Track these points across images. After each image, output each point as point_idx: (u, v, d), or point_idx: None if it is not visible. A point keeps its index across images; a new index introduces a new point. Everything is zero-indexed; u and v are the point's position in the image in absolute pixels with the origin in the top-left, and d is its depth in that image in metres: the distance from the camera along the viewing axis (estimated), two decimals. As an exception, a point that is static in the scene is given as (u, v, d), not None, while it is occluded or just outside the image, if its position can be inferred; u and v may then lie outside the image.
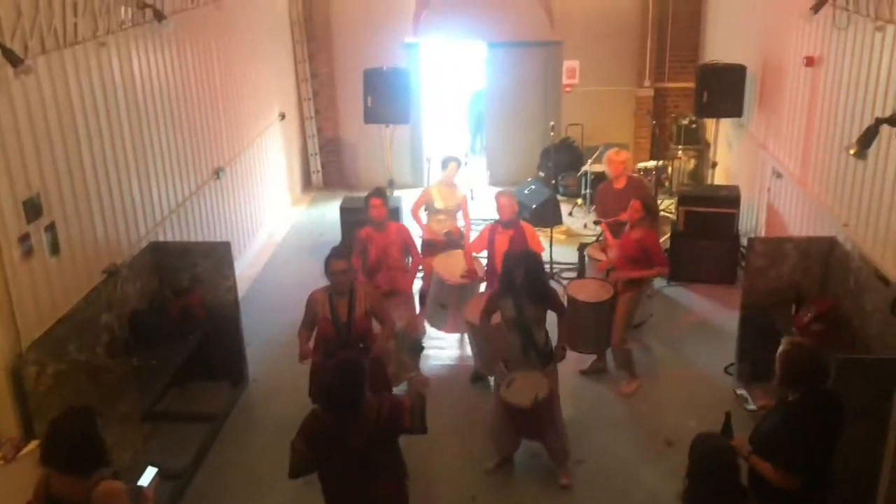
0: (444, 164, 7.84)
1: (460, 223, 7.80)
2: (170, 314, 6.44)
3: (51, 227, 5.25)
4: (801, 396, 3.92)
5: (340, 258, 5.60)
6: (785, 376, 3.93)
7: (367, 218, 6.80)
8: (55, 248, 5.30)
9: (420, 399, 4.46)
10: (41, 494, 3.58)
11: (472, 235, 7.84)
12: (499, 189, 7.26)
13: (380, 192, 6.84)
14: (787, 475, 3.82)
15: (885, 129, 4.98)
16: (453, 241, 7.59)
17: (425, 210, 7.81)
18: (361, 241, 6.76)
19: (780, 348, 3.98)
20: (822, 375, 3.94)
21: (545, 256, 8.14)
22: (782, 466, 3.83)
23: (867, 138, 4.36)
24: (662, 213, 9.98)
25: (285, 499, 5.66)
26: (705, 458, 3.41)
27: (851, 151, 4.47)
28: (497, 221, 6.85)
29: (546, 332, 5.62)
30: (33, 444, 4.65)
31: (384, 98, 9.21)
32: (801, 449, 3.82)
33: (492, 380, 6.88)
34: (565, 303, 6.38)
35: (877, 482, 4.67)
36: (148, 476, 3.85)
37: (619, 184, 7.67)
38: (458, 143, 13.23)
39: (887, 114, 4.89)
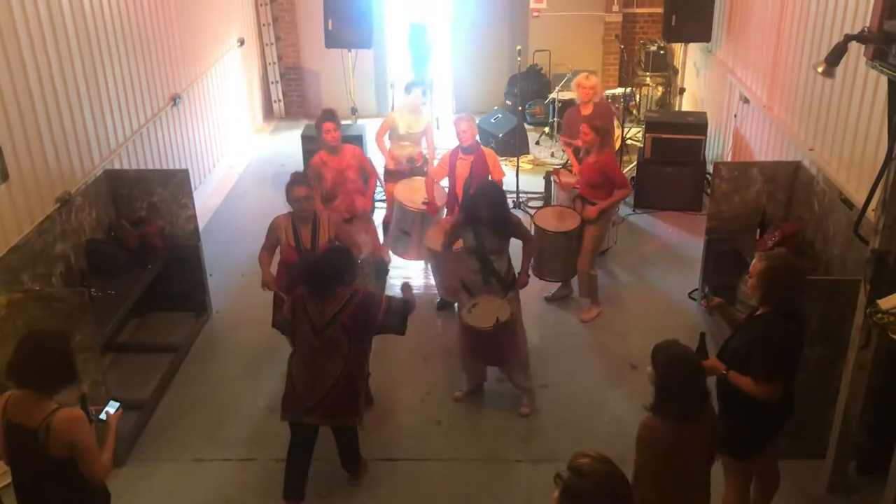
0: (408, 89, 7.66)
1: (426, 151, 7.67)
2: (127, 244, 6.30)
3: (-2, 154, 5.06)
4: (773, 310, 3.93)
5: (301, 184, 5.47)
6: (766, 291, 3.92)
7: (321, 145, 6.65)
8: (4, 175, 5.12)
9: (404, 302, 4.79)
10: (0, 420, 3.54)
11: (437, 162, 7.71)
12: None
13: (332, 116, 6.62)
14: (770, 386, 3.87)
15: (852, 51, 4.91)
16: (416, 168, 7.47)
17: (388, 137, 7.65)
18: (315, 168, 6.59)
19: (759, 264, 3.94)
20: (802, 287, 3.96)
21: (511, 186, 8.10)
22: (767, 378, 3.86)
23: (835, 56, 4.27)
24: (630, 140, 9.94)
25: (250, 429, 5.64)
26: (673, 365, 3.43)
27: (819, 69, 4.38)
28: (457, 147, 6.73)
29: (508, 261, 5.58)
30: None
31: (345, 22, 8.96)
32: (783, 361, 3.89)
33: (456, 307, 6.89)
34: (532, 231, 6.34)
35: (831, 401, 4.76)
36: (110, 409, 3.80)
37: (587, 110, 7.55)
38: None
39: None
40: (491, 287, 5.55)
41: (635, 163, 9.15)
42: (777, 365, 3.88)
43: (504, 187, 6.80)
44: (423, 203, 6.82)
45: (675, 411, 3.42)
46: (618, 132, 9.08)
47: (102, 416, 3.77)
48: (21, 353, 3.47)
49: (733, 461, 4.22)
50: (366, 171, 6.73)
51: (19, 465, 3.59)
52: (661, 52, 10.71)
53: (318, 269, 4.58)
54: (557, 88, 10.48)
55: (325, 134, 6.51)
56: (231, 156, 10.17)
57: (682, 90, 9.88)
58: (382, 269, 7.05)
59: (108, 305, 5.73)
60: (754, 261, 4.03)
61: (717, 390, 4.18)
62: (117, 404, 3.85)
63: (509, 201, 5.63)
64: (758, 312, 4.04)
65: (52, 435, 3.42)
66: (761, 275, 3.91)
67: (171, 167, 7.79)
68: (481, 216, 5.39)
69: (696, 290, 7.02)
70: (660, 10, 10.15)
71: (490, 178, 6.67)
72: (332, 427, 4.88)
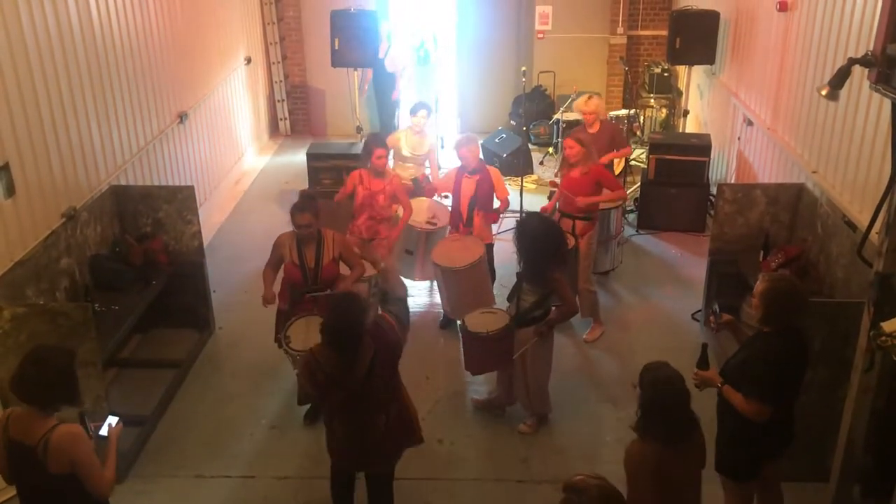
0: (413, 110, 7.71)
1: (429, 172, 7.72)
2: (132, 259, 6.31)
3: (5, 168, 5.09)
4: (775, 330, 3.94)
5: (304, 211, 5.45)
6: (767, 312, 3.94)
7: (362, 163, 6.73)
8: (10, 190, 5.15)
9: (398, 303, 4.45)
10: (1, 437, 3.53)
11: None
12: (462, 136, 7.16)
13: (383, 142, 6.68)
14: (758, 405, 3.87)
15: (856, 74, 4.93)
16: (420, 188, 7.51)
17: (392, 157, 7.68)
18: (352, 181, 6.66)
19: (761, 285, 3.98)
20: (801, 309, 3.97)
21: (514, 205, 8.11)
22: (755, 397, 3.87)
23: (839, 79, 4.29)
24: (634, 161, 9.97)
25: (251, 446, 5.64)
26: (657, 388, 3.43)
27: (823, 93, 4.40)
28: (462, 166, 6.76)
29: (539, 304, 5.38)
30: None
31: (351, 41, 9.03)
32: (774, 381, 3.88)
33: (459, 324, 6.89)
34: None
35: (834, 423, 4.73)
36: (111, 422, 3.80)
37: (593, 128, 7.60)
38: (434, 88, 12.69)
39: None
40: (509, 309, 5.56)
41: (639, 184, 9.17)
42: (769, 385, 3.88)
43: (508, 206, 6.87)
44: (428, 222, 6.84)
45: (660, 434, 3.41)
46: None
47: (103, 431, 3.77)
48: (26, 367, 3.47)
49: (731, 482, 4.21)
50: (399, 198, 6.71)
51: (20, 481, 3.59)
52: (665, 74, 10.76)
53: (341, 326, 4.02)
54: (562, 109, 10.53)
55: (377, 159, 6.56)
56: (236, 173, 10.22)
57: (685, 112, 9.93)
58: (389, 295, 7.04)
59: (111, 320, 5.73)
60: (758, 282, 4.05)
61: (717, 409, 4.19)
62: (117, 419, 3.84)
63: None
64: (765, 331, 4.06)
65: (50, 452, 3.41)
66: (762, 295, 3.93)
67: (177, 184, 7.83)
68: (517, 243, 5.39)
69: (700, 311, 7.01)
70: (664, 32, 10.26)
71: (496, 197, 6.70)
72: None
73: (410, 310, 7.25)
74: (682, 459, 3.46)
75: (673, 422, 3.42)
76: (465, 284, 6.15)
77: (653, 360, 3.61)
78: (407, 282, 7.43)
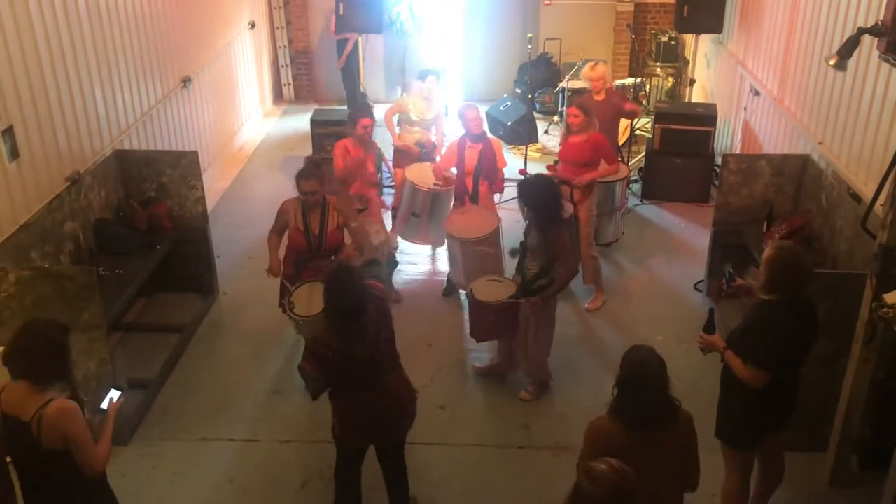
0: (422, 76, 7.66)
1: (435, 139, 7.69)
2: (136, 224, 6.33)
3: (9, 132, 5.08)
4: (779, 299, 3.93)
5: (309, 178, 5.44)
6: (770, 279, 3.93)
7: (347, 132, 6.71)
8: (14, 153, 5.14)
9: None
10: None
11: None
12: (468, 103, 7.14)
13: (369, 112, 6.67)
14: (755, 371, 3.88)
15: (864, 45, 4.90)
16: (426, 152, 7.49)
17: (399, 122, 7.68)
18: (340, 155, 6.64)
19: (766, 253, 3.98)
20: (805, 279, 3.96)
21: (516, 174, 8.10)
22: (753, 362, 3.89)
23: (848, 48, 4.28)
24: (639, 131, 9.92)
25: (254, 410, 5.69)
26: (633, 369, 3.40)
27: (831, 62, 4.39)
28: (465, 135, 6.74)
29: (545, 272, 5.37)
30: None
31: (356, 7, 8.93)
32: (772, 348, 3.88)
33: (462, 294, 6.91)
34: None
35: (834, 394, 4.77)
36: (113, 396, 3.78)
37: (600, 97, 7.54)
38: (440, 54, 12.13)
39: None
40: (515, 278, 5.59)
41: (644, 153, 9.13)
42: (767, 352, 3.88)
43: (504, 177, 6.86)
44: (435, 184, 6.82)
45: (628, 416, 3.36)
46: (626, 123, 9.06)
47: (104, 405, 3.73)
48: (17, 340, 3.41)
49: (731, 450, 4.25)
50: (383, 164, 6.75)
51: (16, 454, 3.57)
52: (673, 42, 10.66)
53: (343, 301, 3.95)
54: (567, 77, 10.44)
55: (361, 129, 6.56)
56: (240, 139, 10.19)
57: (692, 81, 9.85)
58: (392, 262, 7.06)
59: (115, 285, 5.77)
60: (766, 249, 4.06)
61: (721, 376, 4.21)
62: (119, 392, 3.80)
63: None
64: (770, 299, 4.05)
65: (43, 427, 3.36)
66: (767, 262, 3.93)
67: (181, 149, 7.81)
68: (521, 199, 5.39)
69: (702, 281, 7.02)
70: (672, 0, 10.11)
71: (496, 165, 6.69)
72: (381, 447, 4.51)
73: (413, 277, 7.31)
74: (648, 448, 3.33)
75: (644, 405, 3.35)
76: (483, 255, 6.13)
77: (641, 343, 3.57)
78: (409, 246, 7.44)
